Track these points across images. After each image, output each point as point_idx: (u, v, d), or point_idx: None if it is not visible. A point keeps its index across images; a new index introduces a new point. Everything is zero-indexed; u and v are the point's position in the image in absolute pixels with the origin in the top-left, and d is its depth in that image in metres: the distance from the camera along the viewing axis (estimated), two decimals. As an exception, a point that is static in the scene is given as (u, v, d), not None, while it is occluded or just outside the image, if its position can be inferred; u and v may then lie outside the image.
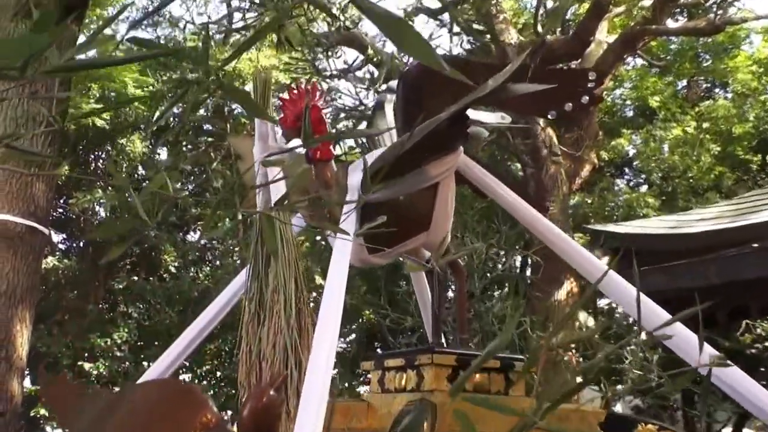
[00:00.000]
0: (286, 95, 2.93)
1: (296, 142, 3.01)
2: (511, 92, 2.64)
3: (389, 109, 3.48)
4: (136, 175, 14.63)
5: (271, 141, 2.90)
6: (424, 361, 2.84)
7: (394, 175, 2.85)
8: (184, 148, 14.63)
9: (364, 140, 5.63)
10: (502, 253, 6.52)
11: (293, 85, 2.98)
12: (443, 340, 3.22)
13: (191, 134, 14.76)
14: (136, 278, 13.48)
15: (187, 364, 12.63)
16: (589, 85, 2.86)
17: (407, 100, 3.06)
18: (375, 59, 8.38)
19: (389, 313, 6.74)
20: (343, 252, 2.61)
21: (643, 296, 2.87)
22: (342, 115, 7.57)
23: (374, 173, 2.70)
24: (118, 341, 11.78)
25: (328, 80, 8.82)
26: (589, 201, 12.00)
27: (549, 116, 2.88)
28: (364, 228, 2.90)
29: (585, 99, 2.82)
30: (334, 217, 2.83)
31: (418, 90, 3.01)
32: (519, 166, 9.80)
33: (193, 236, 14.86)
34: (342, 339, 13.43)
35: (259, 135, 2.89)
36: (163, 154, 16.84)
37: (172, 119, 13.40)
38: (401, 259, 3.41)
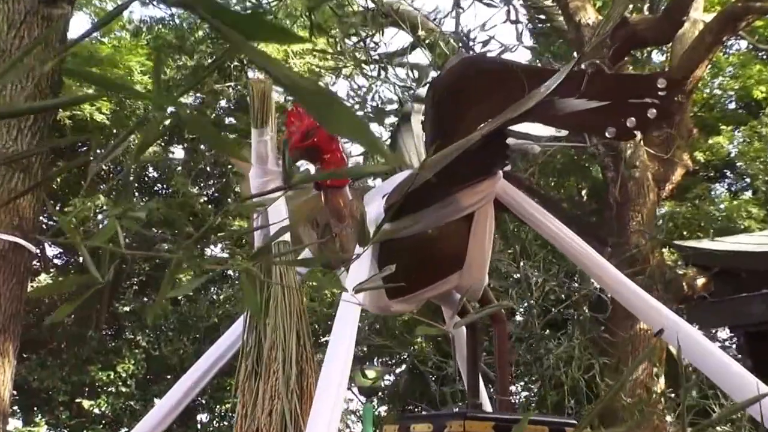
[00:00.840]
0: (292, 107, 2.94)
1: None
2: (561, 108, 2.60)
3: (416, 122, 3.45)
4: (145, 178, 14.99)
5: (271, 164, 2.90)
6: (456, 429, 2.78)
7: (420, 205, 2.84)
8: (202, 146, 14.91)
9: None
10: (567, 284, 6.42)
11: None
12: (481, 400, 3.16)
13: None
14: (145, 300, 13.79)
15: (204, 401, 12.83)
16: (659, 95, 2.77)
17: (439, 112, 3.02)
18: (426, 41, 8.27)
19: (430, 356, 6.70)
20: (353, 300, 2.59)
21: (731, 361, 2.78)
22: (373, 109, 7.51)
23: (397, 203, 2.71)
24: (123, 374, 12.05)
25: (366, 70, 8.77)
26: (681, 210, 11.74)
27: (607, 135, 2.80)
28: (382, 272, 2.92)
29: (652, 113, 2.73)
30: (348, 254, 2.82)
31: (452, 100, 2.98)
32: (599, 168, 9.66)
33: (213, 250, 15.06)
34: (390, 372, 13.44)
35: (257, 156, 2.89)
36: (178, 152, 17.25)
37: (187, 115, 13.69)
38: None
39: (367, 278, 2.54)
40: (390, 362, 13.90)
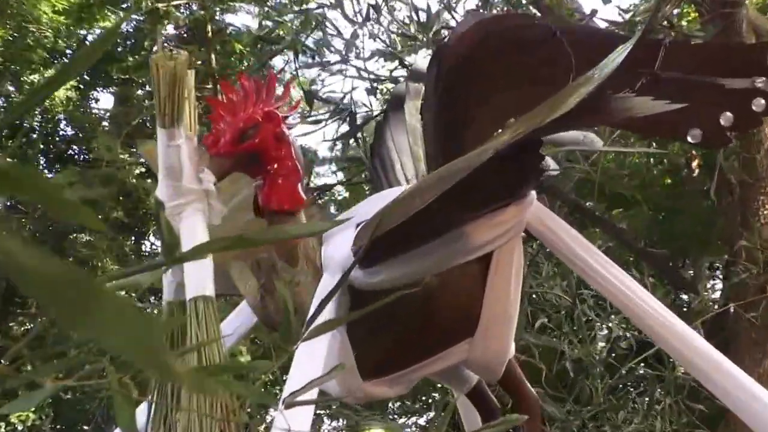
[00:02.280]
0: (221, 95, 2.88)
1: (238, 183, 2.96)
2: (625, 108, 2.46)
3: (412, 110, 3.39)
4: (54, 137, 14.99)
5: (188, 179, 2.84)
6: None
7: (413, 241, 2.79)
8: (140, 91, 14.87)
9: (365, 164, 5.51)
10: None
11: (236, 80, 2.93)
12: None
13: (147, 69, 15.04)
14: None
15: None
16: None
17: (445, 99, 2.98)
18: None
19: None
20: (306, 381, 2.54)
21: None
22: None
23: (377, 238, 2.64)
24: (19, 427, 12.13)
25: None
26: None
27: (690, 139, 2.71)
28: (354, 341, 2.87)
29: (760, 104, 2.64)
30: (303, 314, 2.77)
31: (464, 81, 2.94)
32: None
33: (154, 245, 15.01)
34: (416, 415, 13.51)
35: (166, 169, 2.83)
36: (105, 100, 17.12)
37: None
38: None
39: (327, 356, 2.50)
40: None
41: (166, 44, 12.53)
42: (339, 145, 9.61)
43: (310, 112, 6.99)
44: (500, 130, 2.95)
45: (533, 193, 2.90)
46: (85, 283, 0.64)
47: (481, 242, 2.84)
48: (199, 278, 2.65)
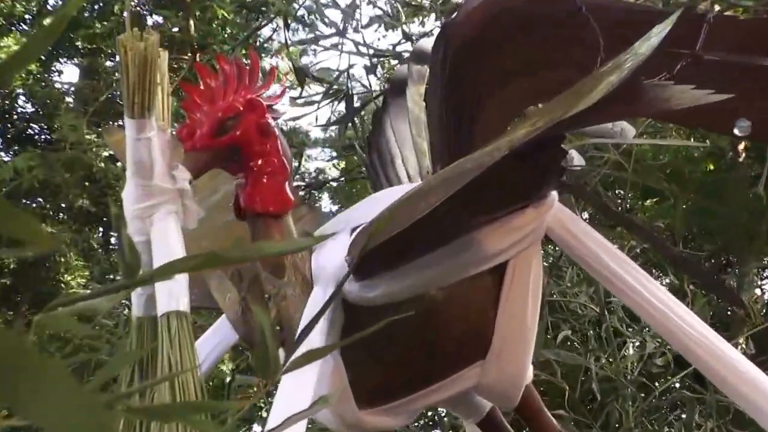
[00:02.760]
0: (201, 82, 2.85)
1: (216, 178, 2.95)
2: (662, 99, 2.41)
3: (415, 98, 3.36)
4: (12, 114, 14.94)
5: (159, 177, 2.80)
6: None
7: (416, 250, 2.76)
8: (109, 62, 14.80)
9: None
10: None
11: (215, 61, 2.90)
12: None
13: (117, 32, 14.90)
14: (9, 315, 13.80)
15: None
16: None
17: (452, 84, 2.95)
18: None
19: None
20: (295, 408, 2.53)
21: None
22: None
23: (373, 247, 2.62)
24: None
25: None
26: None
27: (736, 132, 2.68)
28: (348, 365, 2.84)
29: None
30: (290, 332, 2.76)
31: (473, 64, 2.91)
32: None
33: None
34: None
35: (135, 165, 2.80)
36: (69, 73, 17.04)
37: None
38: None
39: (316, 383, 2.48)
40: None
41: (138, 8, 12.36)
42: (334, 129, 9.54)
43: (302, 92, 6.88)
44: (515, 122, 2.93)
45: (554, 193, 2.88)
46: (25, 354, 0.63)
47: (495, 251, 2.82)
48: (171, 291, 2.61)
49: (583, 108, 2.17)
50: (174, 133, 2.91)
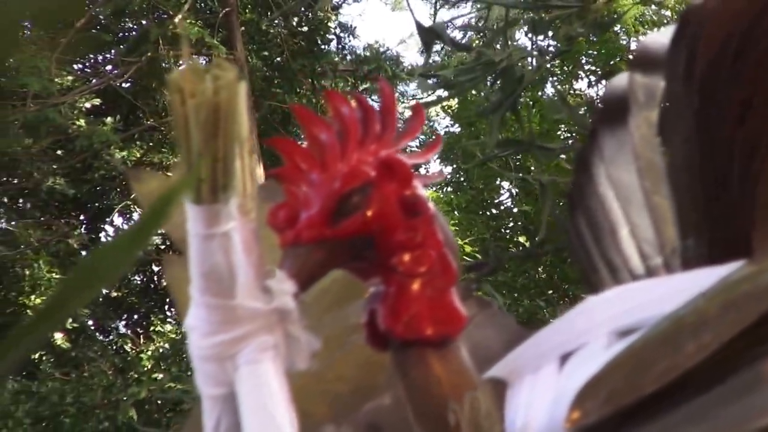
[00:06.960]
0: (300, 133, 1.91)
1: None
2: None
3: (643, 131, 2.43)
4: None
5: (245, 293, 1.90)
6: None
7: (676, 394, 1.93)
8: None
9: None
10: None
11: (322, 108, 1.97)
12: None
13: None
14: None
15: None
16: None
17: (708, 109, 2.12)
18: None
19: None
20: None
21: None
22: None
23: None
24: None
25: None
26: None
27: None
28: None
29: None
30: None
31: (742, 79, 2.08)
32: None
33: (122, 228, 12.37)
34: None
35: (205, 273, 1.85)
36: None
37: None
38: None
39: None
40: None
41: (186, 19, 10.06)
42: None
43: (428, 60, 5.57)
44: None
45: None
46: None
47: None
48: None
49: None
50: (265, 219, 1.99)
